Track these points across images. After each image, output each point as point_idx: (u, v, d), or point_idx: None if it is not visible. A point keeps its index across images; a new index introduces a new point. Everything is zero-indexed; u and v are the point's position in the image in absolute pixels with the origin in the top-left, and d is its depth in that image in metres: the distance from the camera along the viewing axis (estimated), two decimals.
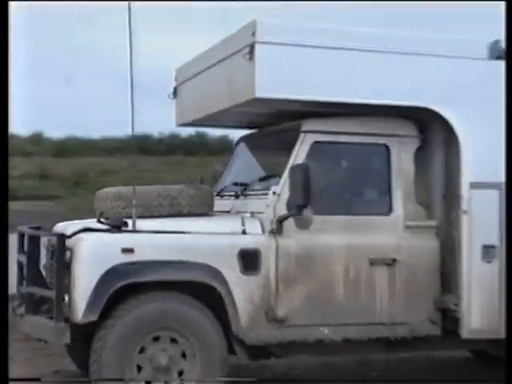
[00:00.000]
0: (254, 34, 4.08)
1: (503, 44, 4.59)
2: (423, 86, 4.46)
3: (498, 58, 4.59)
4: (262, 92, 4.11)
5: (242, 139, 5.57)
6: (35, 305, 4.17)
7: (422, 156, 4.73)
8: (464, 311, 4.48)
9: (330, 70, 4.28)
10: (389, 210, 4.55)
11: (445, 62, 4.50)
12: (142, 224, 4.16)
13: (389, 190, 4.59)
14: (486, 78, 4.58)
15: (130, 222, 4.13)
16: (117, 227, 4.10)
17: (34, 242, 4.25)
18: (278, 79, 4.14)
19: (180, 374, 4.06)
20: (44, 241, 4.42)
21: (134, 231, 4.09)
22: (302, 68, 4.20)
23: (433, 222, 4.65)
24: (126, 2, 3.92)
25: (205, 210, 4.52)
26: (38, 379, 4.64)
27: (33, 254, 4.22)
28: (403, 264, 4.48)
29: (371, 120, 4.60)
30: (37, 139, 24.07)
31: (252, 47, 4.07)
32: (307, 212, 4.04)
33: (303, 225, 4.12)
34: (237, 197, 4.83)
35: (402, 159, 4.61)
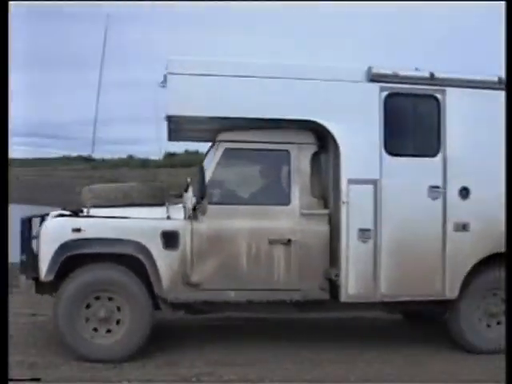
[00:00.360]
0: (166, 67, 5.46)
1: (375, 69, 5.77)
2: (312, 103, 5.69)
3: (372, 80, 5.76)
4: (172, 111, 5.49)
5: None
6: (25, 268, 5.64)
7: (319, 158, 5.96)
8: (342, 280, 5.68)
9: (231, 93, 5.59)
10: (287, 201, 5.80)
11: (329, 85, 5.72)
12: (94, 211, 5.64)
13: (288, 186, 5.86)
14: (362, 97, 5.76)
15: (85, 210, 5.62)
16: (74, 213, 5.60)
17: (25, 223, 5.75)
18: (186, 101, 5.49)
19: (118, 322, 5.48)
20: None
21: (86, 216, 5.56)
22: (206, 92, 5.53)
23: (325, 211, 5.87)
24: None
25: (155, 202, 5.88)
26: (38, 379, 4.87)
27: (24, 232, 5.71)
28: (297, 243, 5.72)
29: (275, 131, 5.88)
30: None
31: (165, 77, 5.46)
32: (204, 202, 5.39)
33: (202, 212, 5.47)
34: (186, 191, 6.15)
35: (300, 161, 5.86)
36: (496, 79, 6.00)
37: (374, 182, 5.74)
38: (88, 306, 5.45)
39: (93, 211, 5.65)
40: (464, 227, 5.91)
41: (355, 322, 7.04)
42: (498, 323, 6.12)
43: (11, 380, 4.46)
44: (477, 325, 6.08)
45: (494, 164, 5.91)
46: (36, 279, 5.47)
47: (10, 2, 5.07)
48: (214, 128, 5.91)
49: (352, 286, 5.73)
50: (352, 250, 5.70)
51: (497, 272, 6.02)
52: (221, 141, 5.81)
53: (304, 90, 5.67)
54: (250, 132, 5.87)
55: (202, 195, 5.38)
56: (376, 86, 5.77)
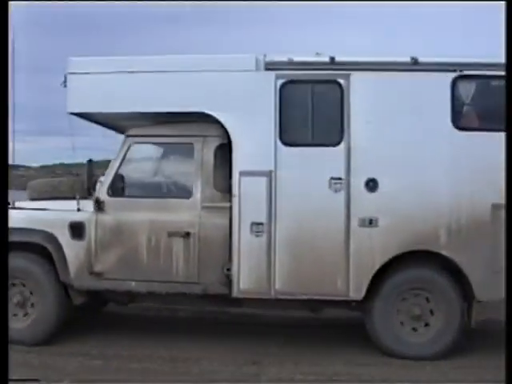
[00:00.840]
0: (66, 67, 5.82)
1: (269, 57, 5.58)
2: (203, 95, 5.68)
3: (267, 69, 5.58)
4: (72, 108, 5.84)
5: None
6: None
7: (225, 151, 5.89)
8: (234, 275, 5.58)
9: (127, 89, 5.78)
10: (189, 195, 5.84)
11: (221, 75, 5.65)
12: (22, 204, 6.19)
13: (191, 179, 5.88)
14: (255, 86, 5.60)
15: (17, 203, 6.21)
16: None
17: None
18: (84, 99, 5.80)
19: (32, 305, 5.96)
20: None
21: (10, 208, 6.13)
22: (103, 89, 5.78)
23: (226, 204, 5.79)
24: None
25: (80, 195, 6.28)
26: (37, 379, 4.91)
27: None
28: (196, 236, 5.74)
29: (181, 125, 5.94)
30: None
31: (65, 77, 5.81)
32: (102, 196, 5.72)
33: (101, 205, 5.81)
34: None
35: (204, 154, 5.85)
36: (408, 60, 5.46)
37: (268, 174, 5.55)
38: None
39: (25, 204, 6.21)
40: (371, 222, 5.47)
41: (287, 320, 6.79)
42: (427, 325, 5.56)
43: (11, 380, 4.53)
44: (396, 328, 5.57)
45: (406, 153, 5.43)
46: None
47: (10, 2, 4.99)
48: (126, 124, 6.14)
49: (244, 281, 5.60)
50: (244, 245, 5.58)
51: (417, 270, 5.52)
52: (128, 136, 6.03)
53: (195, 83, 5.68)
54: (156, 127, 6.01)
55: (89, 188, 5.66)
56: (271, 74, 5.57)
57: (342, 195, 5.49)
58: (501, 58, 4.80)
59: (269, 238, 5.54)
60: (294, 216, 5.54)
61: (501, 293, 5.04)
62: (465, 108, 5.56)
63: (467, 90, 5.52)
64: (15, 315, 5.92)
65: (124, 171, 5.96)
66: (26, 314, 5.96)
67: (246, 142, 5.59)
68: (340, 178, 5.49)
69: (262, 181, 5.56)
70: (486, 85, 5.56)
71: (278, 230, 5.54)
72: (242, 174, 5.58)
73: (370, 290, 5.50)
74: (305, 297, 5.59)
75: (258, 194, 5.56)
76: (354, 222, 5.47)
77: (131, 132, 6.04)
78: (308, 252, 5.53)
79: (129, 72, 5.78)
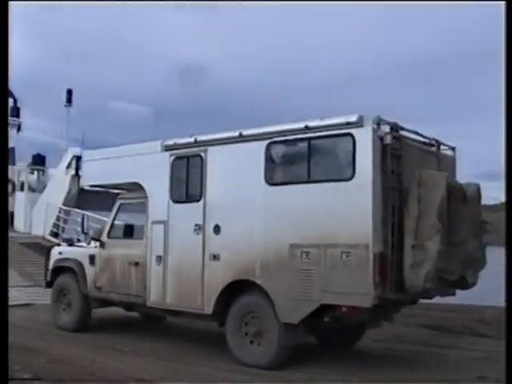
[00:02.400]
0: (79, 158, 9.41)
1: (165, 142, 8.09)
2: (134, 171, 8.50)
3: (166, 150, 8.10)
4: (83, 183, 9.37)
5: None
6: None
7: None
8: (147, 291, 8.14)
9: (108, 169, 9.01)
10: (142, 237, 8.64)
11: (142, 157, 8.43)
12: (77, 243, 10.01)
13: (143, 227, 8.68)
14: (159, 162, 8.17)
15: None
16: (69, 244, 10.12)
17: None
18: (90, 176, 9.28)
19: (70, 305, 9.55)
20: None
21: (69, 245, 9.98)
22: (100, 170, 9.14)
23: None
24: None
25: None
26: (37, 379, 5.25)
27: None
28: (143, 265, 8.47)
29: (138, 191, 8.79)
30: None
31: (80, 164, 9.41)
32: (103, 238, 9.03)
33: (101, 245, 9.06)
34: None
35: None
36: (237, 134, 7.31)
37: (164, 223, 8.02)
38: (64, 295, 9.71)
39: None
40: (215, 257, 7.40)
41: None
42: (261, 340, 7.05)
43: (11, 380, 4.74)
44: (242, 341, 7.23)
45: (244, 206, 7.21)
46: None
47: (10, 2, 5.05)
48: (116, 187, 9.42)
49: (152, 295, 8.12)
50: (152, 270, 8.12)
51: (251, 296, 7.16)
52: (118, 198, 9.22)
53: (132, 163, 8.56)
54: (129, 193, 9.05)
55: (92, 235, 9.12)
56: (167, 154, 8.08)
57: (200, 237, 7.58)
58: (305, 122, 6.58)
59: (164, 266, 7.97)
60: (175, 251, 7.85)
61: (298, 317, 6.48)
62: (273, 167, 7.02)
63: (276, 152, 7.01)
64: (64, 310, 9.55)
65: (115, 222, 9.14)
66: (68, 312, 9.54)
67: (154, 201, 8.20)
68: (199, 225, 7.59)
69: (161, 227, 8.05)
70: (289, 147, 6.94)
71: (169, 261, 7.93)
72: (152, 222, 8.19)
73: (223, 309, 7.33)
74: (181, 309, 7.78)
75: (159, 236, 8.06)
76: (207, 256, 7.47)
77: (120, 196, 9.22)
78: (182, 277, 7.74)
79: (105, 158, 9.03)
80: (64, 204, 19.51)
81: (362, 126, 6.27)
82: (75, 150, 20.29)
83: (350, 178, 6.27)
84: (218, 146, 7.55)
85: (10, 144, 26.46)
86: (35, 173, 24.39)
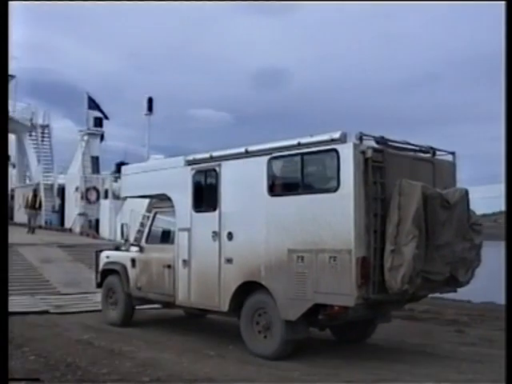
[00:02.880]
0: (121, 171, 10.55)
1: (187, 157, 9.04)
2: (163, 183, 9.52)
3: (188, 164, 9.05)
4: (123, 194, 10.52)
5: None
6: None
7: None
8: (176, 291, 9.14)
9: (141, 182, 10.10)
10: (173, 241, 9.65)
11: (169, 171, 9.42)
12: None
13: (174, 232, 9.69)
14: (183, 175, 9.12)
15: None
16: (116, 248, 11.34)
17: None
18: (127, 188, 10.41)
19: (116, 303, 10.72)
20: None
21: (115, 250, 11.19)
22: (135, 183, 10.26)
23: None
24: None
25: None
26: (37, 379, 5.22)
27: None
28: (173, 267, 9.48)
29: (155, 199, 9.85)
30: None
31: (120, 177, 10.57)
32: (142, 243, 10.13)
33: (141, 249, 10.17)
34: None
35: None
36: (243, 150, 8.14)
37: (188, 230, 8.98)
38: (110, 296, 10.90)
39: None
40: (229, 261, 8.27)
41: None
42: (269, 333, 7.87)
43: (11, 380, 4.75)
44: (253, 334, 8.08)
45: (252, 215, 8.04)
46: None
47: (10, 2, 5.07)
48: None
49: (179, 295, 9.11)
50: (179, 272, 9.11)
51: (258, 296, 7.99)
52: (153, 207, 10.29)
53: (161, 176, 9.60)
54: (160, 202, 10.09)
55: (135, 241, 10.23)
56: (189, 168, 9.03)
57: (217, 243, 8.46)
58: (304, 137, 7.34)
59: (189, 269, 8.93)
60: (197, 256, 8.79)
61: (295, 315, 7.28)
62: (274, 179, 7.79)
63: (275, 166, 7.77)
64: (112, 307, 10.74)
65: (151, 229, 10.22)
66: (115, 309, 10.71)
67: (180, 210, 9.18)
68: (215, 232, 8.48)
69: (185, 234, 9.02)
70: (286, 161, 7.68)
71: (192, 264, 8.87)
72: (179, 229, 9.17)
73: (237, 306, 8.20)
74: (202, 307, 8.72)
75: (184, 242, 9.03)
76: (222, 260, 8.35)
77: (154, 205, 10.29)
78: (203, 278, 8.67)
79: (138, 173, 10.14)
80: (147, 210, 19.92)
81: (345, 141, 6.93)
82: (157, 158, 21.32)
83: (336, 190, 6.95)
84: (229, 161, 8.41)
85: (95, 153, 29.30)
86: (119, 181, 25.91)
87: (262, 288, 7.88)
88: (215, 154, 8.65)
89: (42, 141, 32.06)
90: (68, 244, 20.30)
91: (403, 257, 6.68)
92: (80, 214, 27.39)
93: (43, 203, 27.46)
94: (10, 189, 33.58)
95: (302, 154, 7.38)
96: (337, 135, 6.97)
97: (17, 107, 30.69)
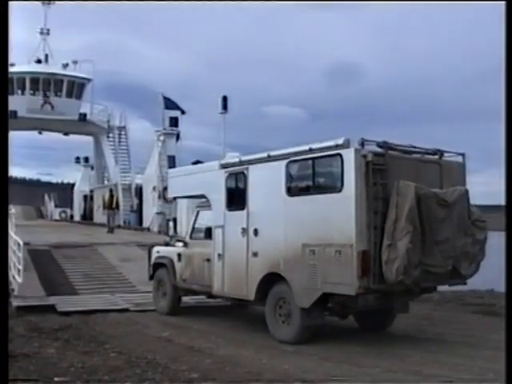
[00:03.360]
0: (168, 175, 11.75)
1: (221, 162, 10.08)
2: (201, 185, 10.62)
3: (221, 168, 10.08)
4: (170, 195, 11.73)
5: None
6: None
7: None
8: (212, 283, 10.19)
9: (185, 184, 11.25)
10: (211, 237, 10.72)
11: (207, 174, 10.50)
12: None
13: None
14: (218, 178, 10.16)
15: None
16: (166, 244, 12.57)
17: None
18: (173, 189, 11.62)
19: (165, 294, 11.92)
20: None
21: (166, 245, 12.41)
22: (177, 185, 11.44)
23: None
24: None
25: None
26: (37, 379, 5.28)
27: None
28: (210, 261, 10.57)
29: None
30: None
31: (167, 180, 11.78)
32: (186, 239, 11.29)
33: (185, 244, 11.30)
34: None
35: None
36: (265, 155, 9.07)
37: (222, 227, 10.01)
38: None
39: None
40: (255, 254, 9.22)
41: None
42: (289, 320, 8.74)
43: (11, 380, 4.77)
44: (275, 321, 8.98)
45: (274, 213, 8.96)
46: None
47: (10, 2, 5.12)
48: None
49: (215, 285, 10.15)
50: (215, 265, 10.15)
51: (279, 286, 8.89)
52: (197, 206, 11.41)
53: (200, 178, 10.69)
54: (202, 201, 11.18)
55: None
56: (223, 171, 10.06)
57: (245, 238, 9.43)
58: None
59: (223, 262, 9.95)
60: (229, 250, 9.79)
61: (308, 303, 8.16)
62: (291, 181, 8.65)
63: (292, 169, 8.64)
64: (161, 297, 11.91)
65: (195, 226, 11.33)
66: (164, 299, 11.89)
67: (216, 209, 10.23)
68: (244, 228, 9.45)
69: (220, 230, 10.05)
70: (301, 165, 8.53)
71: (226, 257, 9.89)
72: (215, 227, 10.22)
73: (263, 295, 9.13)
74: (234, 296, 9.71)
75: (219, 238, 10.07)
76: (250, 254, 9.31)
77: (198, 204, 11.41)
78: (234, 271, 9.66)
79: (181, 175, 11.30)
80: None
81: (348, 147, 7.71)
82: (233, 156, 21.24)
83: (340, 190, 7.75)
84: (255, 165, 9.36)
85: (171, 153, 29.28)
86: None
87: (282, 279, 8.77)
88: (244, 158, 9.64)
89: (119, 142, 33.00)
90: (146, 243, 21.16)
91: (398, 251, 7.37)
92: (158, 213, 27.91)
93: (121, 203, 29.02)
94: (88, 190, 35.89)
95: (314, 159, 8.22)
96: (340, 141, 7.76)
97: (94, 110, 31.79)
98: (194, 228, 11.33)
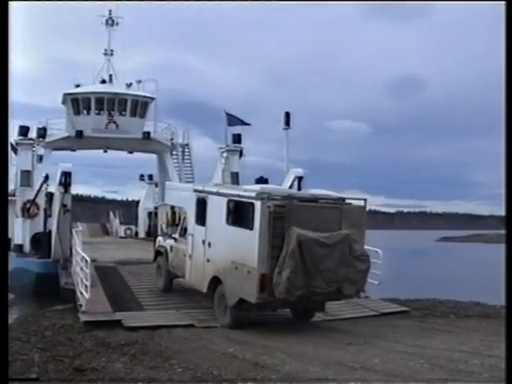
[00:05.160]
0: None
1: (195, 187, 13.34)
2: (183, 201, 13.97)
3: (194, 192, 13.34)
4: (166, 202, 15.21)
5: None
6: None
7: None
8: (187, 273, 13.67)
9: (174, 197, 14.65)
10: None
11: (186, 193, 13.82)
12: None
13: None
14: (191, 198, 13.47)
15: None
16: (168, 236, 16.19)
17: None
18: (168, 199, 15.07)
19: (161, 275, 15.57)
20: None
21: (165, 237, 15.98)
22: (171, 196, 14.86)
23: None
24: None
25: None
26: (37, 379, 5.42)
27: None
28: (186, 256, 14.01)
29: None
30: None
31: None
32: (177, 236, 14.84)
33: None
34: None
35: None
36: (216, 191, 12.25)
37: (193, 235, 13.39)
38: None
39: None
40: (208, 260, 12.58)
41: None
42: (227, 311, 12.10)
43: (11, 380, 4.99)
44: (219, 311, 12.30)
45: (219, 234, 12.23)
46: None
47: (10, 2, 5.34)
48: None
49: (187, 277, 13.63)
50: (187, 263, 13.60)
51: (221, 286, 12.20)
52: (182, 213, 14.79)
53: (182, 195, 14.04)
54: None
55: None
56: (194, 194, 13.35)
57: (204, 247, 12.77)
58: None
59: (191, 262, 13.36)
60: (195, 254, 13.19)
61: (233, 302, 11.49)
62: (228, 214, 11.80)
63: (229, 206, 11.77)
64: (159, 277, 15.52)
65: (183, 226, 14.74)
66: (161, 278, 15.48)
67: (188, 220, 13.61)
68: (203, 240, 12.78)
69: (191, 237, 13.43)
70: (235, 205, 11.64)
71: (193, 259, 13.29)
72: (188, 234, 13.61)
73: (212, 291, 12.47)
74: (195, 287, 13.21)
75: (190, 243, 13.47)
76: (205, 259, 12.68)
77: (183, 213, 14.80)
78: (196, 269, 13.13)
79: (172, 189, 14.66)
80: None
81: (258, 199, 10.76)
82: (297, 171, 21.83)
83: (252, 228, 10.86)
84: (211, 195, 12.59)
85: (234, 169, 29.20)
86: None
87: (221, 282, 12.08)
88: (206, 188, 12.89)
89: (183, 159, 32.46)
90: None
91: (282, 278, 10.47)
92: None
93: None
94: (153, 207, 35.40)
95: (241, 202, 11.34)
96: (253, 194, 10.84)
97: (157, 128, 31.66)
98: (182, 228, 14.72)
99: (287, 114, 24.12)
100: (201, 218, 13.11)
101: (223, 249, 11.96)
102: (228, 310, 11.85)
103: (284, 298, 10.67)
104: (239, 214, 11.49)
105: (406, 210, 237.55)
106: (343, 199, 11.59)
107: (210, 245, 12.56)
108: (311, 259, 10.70)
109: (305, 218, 10.92)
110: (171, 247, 14.94)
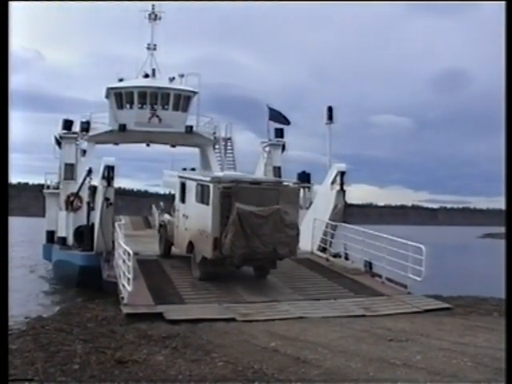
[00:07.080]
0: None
1: (178, 174, 17.40)
2: (171, 185, 18.07)
3: (179, 178, 17.38)
4: (164, 186, 19.39)
5: None
6: None
7: None
8: (175, 242, 17.79)
9: (167, 182, 18.78)
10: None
11: (173, 179, 17.91)
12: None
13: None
14: (176, 182, 17.51)
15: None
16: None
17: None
18: (165, 185, 19.25)
19: None
20: None
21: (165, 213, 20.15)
22: (166, 182, 19.01)
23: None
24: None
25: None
26: (37, 379, 5.56)
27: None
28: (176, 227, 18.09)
29: None
30: None
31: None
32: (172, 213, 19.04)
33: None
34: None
35: None
36: (191, 177, 16.27)
37: (178, 211, 17.47)
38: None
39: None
40: (186, 229, 16.68)
41: None
42: (198, 267, 16.17)
43: (11, 380, 5.04)
44: (194, 267, 16.33)
45: (192, 209, 16.23)
46: None
47: (10, 2, 5.58)
48: None
49: (175, 244, 17.72)
50: (175, 231, 17.69)
51: (194, 249, 16.20)
52: (174, 195, 18.91)
53: (171, 180, 18.12)
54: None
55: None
56: (179, 179, 17.40)
57: (184, 220, 16.81)
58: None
59: (177, 231, 17.46)
60: (179, 225, 17.26)
61: (199, 260, 15.55)
62: (197, 194, 15.76)
63: (198, 189, 15.73)
64: (161, 245, 19.68)
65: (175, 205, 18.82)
66: (162, 246, 19.61)
67: (176, 200, 17.70)
68: (184, 214, 16.82)
69: (177, 213, 17.52)
70: (201, 187, 15.60)
71: (178, 229, 17.37)
72: (175, 210, 17.70)
73: (190, 252, 16.48)
74: (179, 252, 17.29)
75: (176, 217, 17.56)
76: (184, 228, 16.70)
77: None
78: (179, 237, 17.30)
79: (168, 176, 18.77)
80: (330, 219, 20.42)
81: (211, 182, 14.68)
82: (340, 166, 21.53)
83: (208, 204, 14.81)
84: (188, 180, 16.60)
85: (277, 163, 29.14)
86: (301, 190, 24.09)
87: (193, 245, 16.07)
88: (184, 175, 16.95)
89: (225, 153, 32.51)
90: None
91: (227, 239, 14.33)
92: None
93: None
94: None
95: (202, 185, 15.32)
96: (208, 179, 14.77)
97: (200, 122, 31.40)
98: (174, 208, 18.75)
99: (330, 109, 24.15)
100: (182, 198, 17.20)
101: (194, 220, 15.98)
102: (198, 266, 15.82)
103: (230, 255, 14.51)
104: (202, 194, 15.45)
105: (449, 206, 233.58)
106: (281, 182, 15.34)
107: (187, 217, 16.60)
108: (249, 226, 14.46)
109: (248, 197, 14.68)
110: (169, 221, 19.01)
